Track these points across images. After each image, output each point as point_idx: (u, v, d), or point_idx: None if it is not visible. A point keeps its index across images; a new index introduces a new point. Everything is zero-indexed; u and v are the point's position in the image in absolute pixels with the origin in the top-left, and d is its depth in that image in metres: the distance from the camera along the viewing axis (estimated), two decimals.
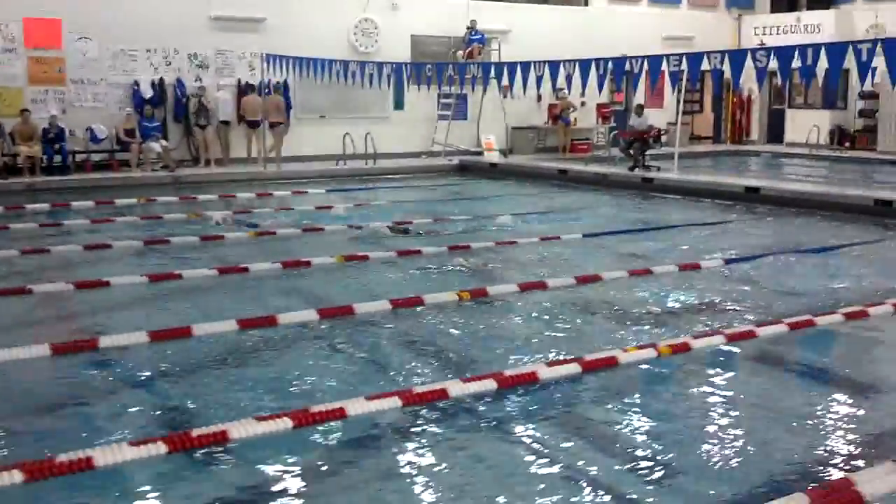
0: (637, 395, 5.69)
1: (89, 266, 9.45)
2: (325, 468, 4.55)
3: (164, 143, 18.56)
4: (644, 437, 4.95)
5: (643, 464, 4.57)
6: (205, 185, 17.17)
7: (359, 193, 16.70)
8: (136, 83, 18.85)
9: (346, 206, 14.43)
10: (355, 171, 19.74)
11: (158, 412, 5.24)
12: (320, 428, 4.82)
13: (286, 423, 4.70)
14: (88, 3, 18.19)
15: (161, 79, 19.20)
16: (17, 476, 4.03)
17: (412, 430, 4.98)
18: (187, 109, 19.33)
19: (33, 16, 17.83)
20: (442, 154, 21.89)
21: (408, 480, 4.40)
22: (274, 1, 20.19)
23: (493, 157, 21.87)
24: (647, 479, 4.41)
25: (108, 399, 5.46)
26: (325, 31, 20.67)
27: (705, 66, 15.78)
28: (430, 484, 4.34)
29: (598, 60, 16.97)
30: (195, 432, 4.52)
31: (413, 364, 6.19)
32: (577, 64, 17.26)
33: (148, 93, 18.92)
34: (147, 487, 4.30)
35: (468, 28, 22.33)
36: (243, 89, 19.98)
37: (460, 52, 22.13)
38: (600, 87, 17.51)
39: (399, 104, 21.79)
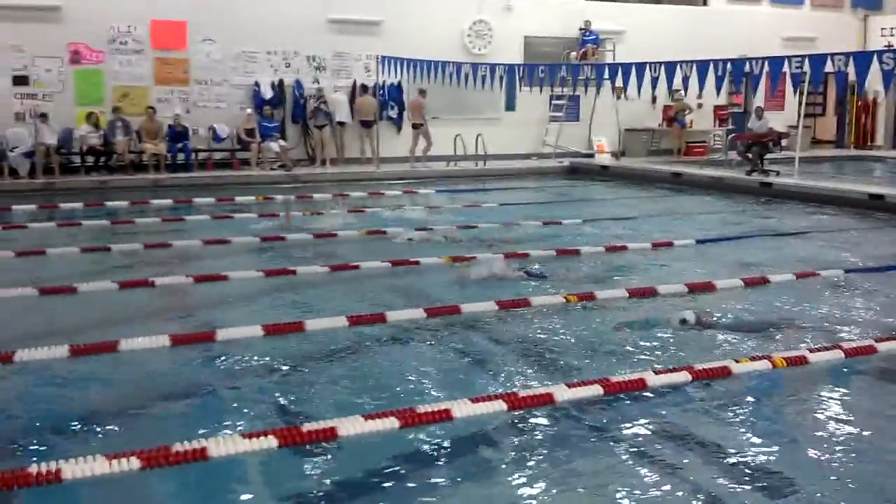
0: (749, 408, 5.53)
1: (209, 260, 9.78)
2: (427, 469, 4.58)
3: (282, 142, 19.07)
4: (753, 451, 4.80)
5: (749, 477, 4.45)
6: (320, 184, 17.55)
7: (468, 195, 16.75)
8: (257, 84, 19.44)
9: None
10: (466, 172, 19.84)
11: (269, 405, 5.37)
12: (426, 429, 4.86)
13: (392, 423, 4.76)
14: (212, 6, 18.85)
15: (280, 80, 19.73)
16: (134, 463, 4.20)
17: (516, 433, 4.98)
18: (305, 110, 19.80)
19: (160, 18, 18.58)
20: (552, 156, 21.78)
21: (507, 485, 4.39)
22: (390, 4, 20.46)
23: (604, 159, 21.64)
24: (752, 493, 4.29)
25: (223, 390, 5.63)
26: (440, 33, 20.83)
27: (829, 68, 15.22)
28: (531, 490, 4.33)
29: (716, 61, 16.60)
30: (305, 427, 4.63)
31: (519, 366, 6.18)
32: (694, 65, 16.92)
33: (268, 94, 19.48)
34: (257, 479, 4.42)
35: (582, 29, 22.15)
36: (358, 90, 20.34)
37: (573, 54, 21.96)
38: (718, 88, 17.14)
39: (511, 105, 21.77)
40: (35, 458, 4.24)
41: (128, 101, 18.34)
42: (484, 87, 19.63)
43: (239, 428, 4.87)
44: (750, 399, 5.67)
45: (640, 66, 17.81)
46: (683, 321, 6.99)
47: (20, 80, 17.78)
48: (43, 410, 5.24)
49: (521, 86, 19.99)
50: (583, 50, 21.96)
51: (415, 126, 19.98)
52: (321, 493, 4.30)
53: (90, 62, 18.19)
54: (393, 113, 21.16)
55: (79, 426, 5.00)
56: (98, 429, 4.98)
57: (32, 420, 5.11)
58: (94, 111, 17.74)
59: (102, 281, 8.25)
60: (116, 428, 5.00)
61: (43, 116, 16.99)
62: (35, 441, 4.79)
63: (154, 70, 18.74)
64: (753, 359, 6.02)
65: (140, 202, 14.48)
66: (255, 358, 6.22)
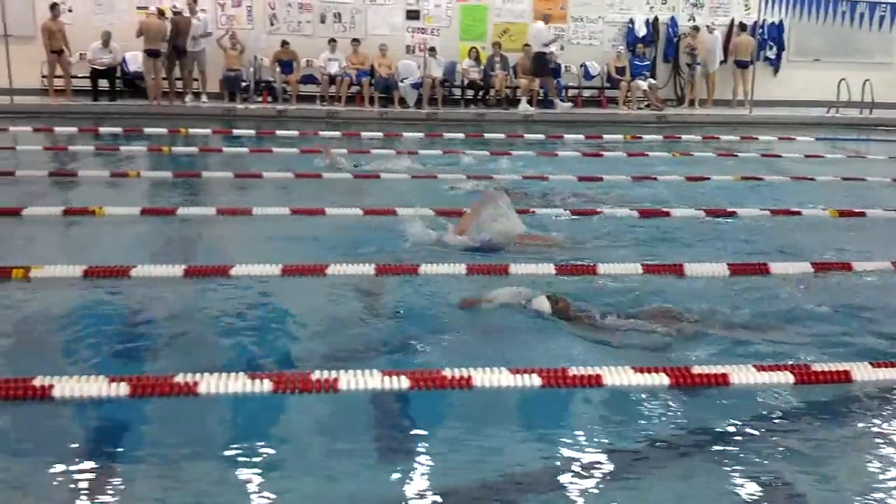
0: None
1: (582, 198, 9.95)
2: (808, 428, 4.43)
3: (651, 81, 18.86)
4: None
5: None
6: (688, 125, 17.19)
7: (850, 145, 15.56)
8: (632, 21, 19.33)
9: None
10: (849, 121, 18.38)
11: (657, 345, 5.41)
12: (822, 388, 4.69)
13: (786, 377, 4.65)
14: None
15: (655, 17, 19.44)
16: (535, 380, 4.49)
17: None
18: (678, 49, 19.39)
19: None
20: None
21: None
22: None
23: None
24: None
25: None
26: None
27: None
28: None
29: None
30: (695, 370, 4.64)
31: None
32: None
33: (641, 31, 19.32)
34: (643, 412, 4.53)
35: None
36: (735, 28, 19.51)
37: None
38: None
39: None
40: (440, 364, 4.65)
41: (507, 37, 19.08)
42: (881, 28, 17.91)
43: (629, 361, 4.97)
44: None
45: None
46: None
47: (412, 15, 19.13)
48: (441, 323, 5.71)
49: None
50: None
51: None
52: (702, 434, 4.32)
53: None
54: (771, 53, 20.12)
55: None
56: (501, 346, 5.32)
57: (428, 327, 5.58)
58: (475, 46, 18.67)
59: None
60: (516, 346, 5.32)
61: (431, 50, 18.20)
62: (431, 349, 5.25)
63: (533, 6, 19.26)
64: None
65: (514, 135, 15.10)
66: (635, 294, 6.29)
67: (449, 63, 18.66)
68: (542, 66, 18.10)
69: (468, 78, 18.59)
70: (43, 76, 17.95)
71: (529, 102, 18.18)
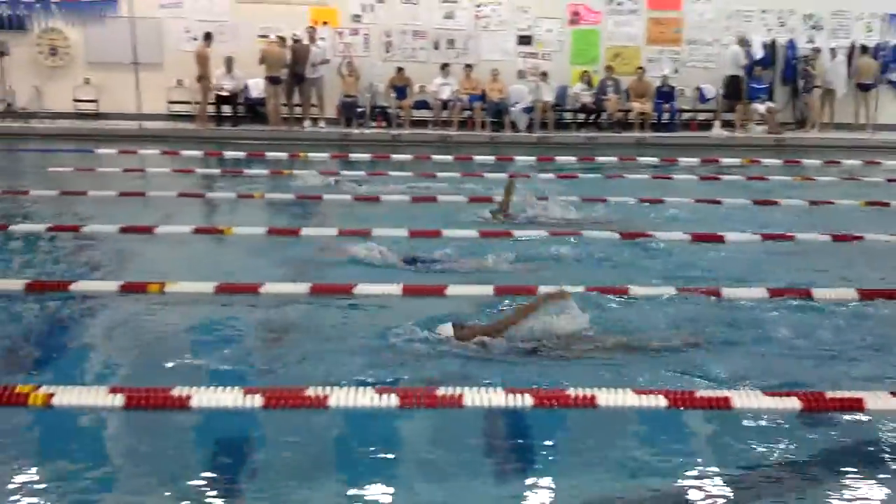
0: None
1: (701, 220, 9.78)
2: None
3: (770, 104, 18.45)
4: None
5: None
6: (807, 149, 16.73)
7: None
8: (748, 44, 18.95)
9: None
10: None
11: (787, 366, 5.27)
12: None
13: None
14: None
15: (773, 40, 19.04)
16: (661, 400, 4.47)
17: None
18: (796, 71, 18.94)
19: None
20: None
21: None
22: None
23: None
24: None
25: (730, 343, 5.66)
26: None
27: None
28: None
29: None
30: (829, 395, 4.54)
31: None
32: None
33: (759, 54, 18.92)
34: (775, 436, 4.42)
35: None
36: (856, 51, 18.94)
37: None
38: None
39: None
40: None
41: (619, 60, 18.99)
42: None
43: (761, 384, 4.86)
44: None
45: None
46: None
47: (524, 40, 19.23)
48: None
49: None
50: None
51: None
52: (839, 458, 4.21)
53: (588, 22, 19.08)
54: (895, 76, 19.42)
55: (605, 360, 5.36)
56: (623, 365, 5.28)
57: None
58: (587, 70, 18.64)
59: (602, 231, 8.71)
60: (640, 366, 5.26)
61: (543, 75, 18.26)
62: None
63: (646, 30, 19.13)
64: None
65: (627, 158, 14.99)
66: (767, 316, 6.14)
67: (560, 87, 18.68)
68: (736, 89, 18.22)
69: (580, 102, 18.54)
70: (170, 102, 18.81)
71: (642, 125, 17.99)
